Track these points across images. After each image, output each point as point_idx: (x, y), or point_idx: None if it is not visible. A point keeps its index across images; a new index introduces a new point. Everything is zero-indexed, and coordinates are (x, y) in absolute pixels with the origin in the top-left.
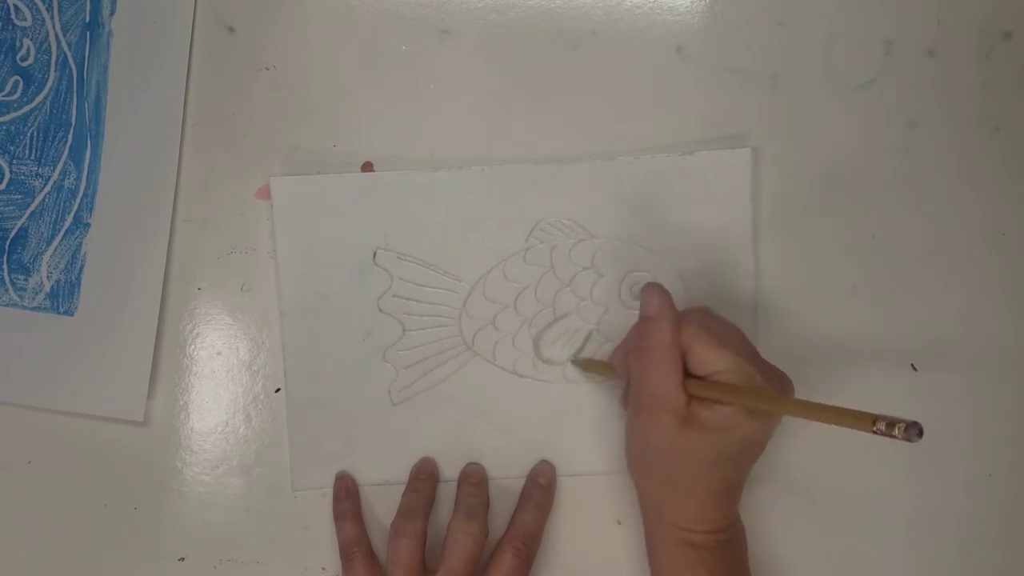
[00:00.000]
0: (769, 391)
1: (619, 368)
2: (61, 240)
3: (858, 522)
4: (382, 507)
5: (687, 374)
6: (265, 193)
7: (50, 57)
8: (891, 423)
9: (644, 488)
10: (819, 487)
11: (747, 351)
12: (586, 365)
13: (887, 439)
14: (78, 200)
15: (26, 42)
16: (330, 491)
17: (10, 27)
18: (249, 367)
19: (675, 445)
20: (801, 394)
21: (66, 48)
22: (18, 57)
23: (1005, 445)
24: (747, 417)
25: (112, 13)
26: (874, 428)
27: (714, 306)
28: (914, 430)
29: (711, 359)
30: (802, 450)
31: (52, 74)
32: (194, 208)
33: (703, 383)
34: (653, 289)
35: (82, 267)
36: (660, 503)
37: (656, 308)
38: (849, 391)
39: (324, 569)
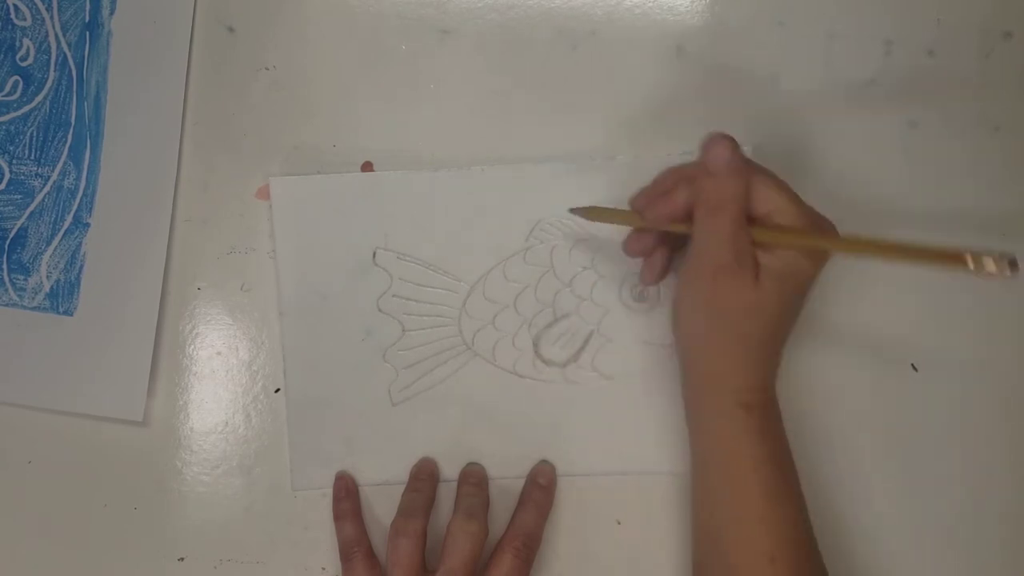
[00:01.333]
0: (828, 231)
1: (654, 217)
2: (61, 240)
3: (857, 530)
4: (382, 507)
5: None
6: (265, 193)
7: (50, 57)
8: (989, 257)
9: (701, 355)
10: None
11: (795, 195)
12: (592, 213)
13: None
14: (78, 200)
15: (26, 42)
16: (330, 491)
17: (10, 27)
18: (249, 367)
19: (748, 301)
20: (800, 394)
21: (66, 48)
22: (18, 57)
23: (1005, 445)
24: (809, 261)
25: (112, 13)
26: (970, 266)
27: None
28: (1006, 261)
29: (770, 196)
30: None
31: (52, 74)
32: (194, 208)
33: (771, 230)
34: (720, 141)
35: (82, 267)
36: (722, 367)
37: (729, 161)
38: (849, 391)
39: (324, 569)
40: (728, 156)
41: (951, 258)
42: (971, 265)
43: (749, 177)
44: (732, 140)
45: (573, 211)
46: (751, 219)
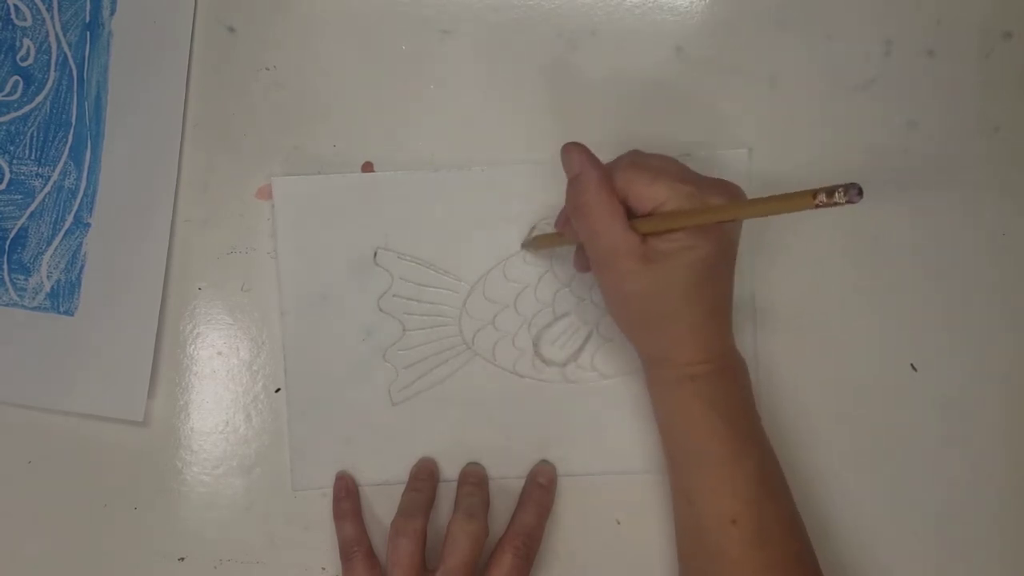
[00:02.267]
0: (712, 203)
1: (568, 233)
2: (61, 240)
3: (856, 530)
4: (382, 507)
5: (632, 216)
6: (265, 193)
7: (50, 57)
8: (830, 191)
9: (636, 338)
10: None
11: (684, 175)
12: (537, 243)
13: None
14: (78, 200)
15: (26, 42)
16: (330, 491)
17: (10, 27)
18: (249, 367)
19: (645, 285)
20: (799, 396)
21: (66, 48)
22: (18, 57)
23: (1005, 445)
24: (700, 236)
25: (112, 13)
26: (816, 202)
27: None
28: (854, 190)
29: (650, 194)
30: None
31: (52, 74)
32: (194, 208)
33: (649, 219)
34: (570, 148)
35: (82, 267)
36: (656, 345)
37: (578, 164)
38: (849, 391)
39: (324, 569)
40: (577, 159)
41: (803, 198)
42: (823, 199)
43: (617, 172)
44: (580, 146)
45: (523, 247)
46: (646, 215)
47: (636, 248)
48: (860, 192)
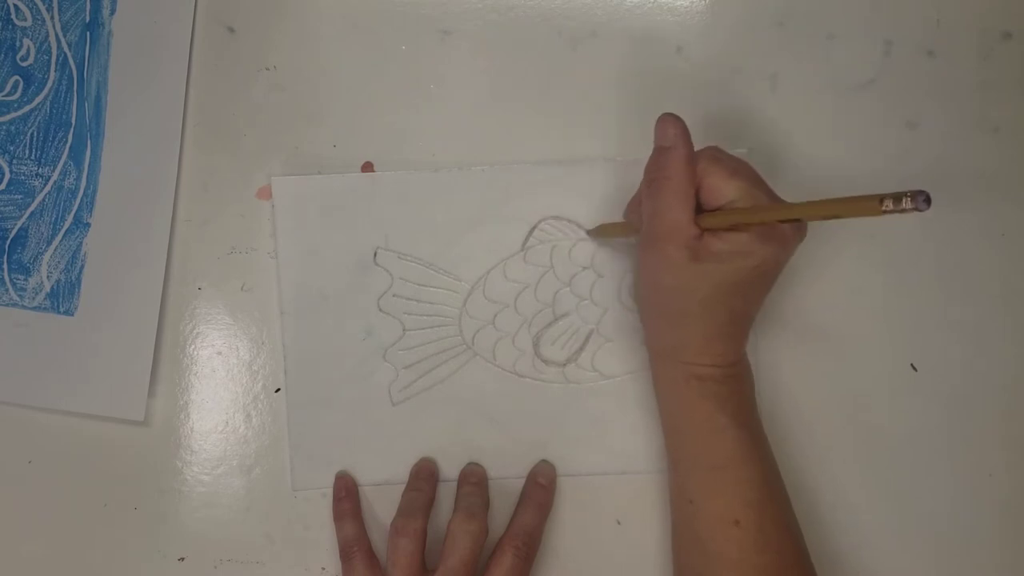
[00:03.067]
0: (779, 206)
1: (635, 220)
2: (61, 240)
3: (855, 530)
4: (382, 507)
5: (700, 210)
6: (266, 193)
7: (50, 57)
8: (897, 197)
9: (653, 328)
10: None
11: (758, 181)
12: (601, 231)
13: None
14: (78, 200)
15: (26, 42)
16: (330, 491)
17: (10, 27)
18: (249, 367)
19: (683, 280)
20: (799, 395)
21: (66, 48)
22: (18, 57)
23: (1005, 445)
24: (760, 243)
25: (112, 13)
26: (883, 208)
27: None
28: (921, 197)
29: (724, 188)
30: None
31: (52, 74)
32: (194, 208)
33: (715, 214)
34: (668, 119)
35: (82, 267)
36: (669, 341)
37: (672, 137)
38: (849, 391)
39: (324, 569)
40: (673, 132)
41: (870, 203)
42: (889, 204)
43: (698, 161)
44: (677, 118)
45: (589, 233)
46: (709, 211)
47: (691, 240)
48: (928, 200)
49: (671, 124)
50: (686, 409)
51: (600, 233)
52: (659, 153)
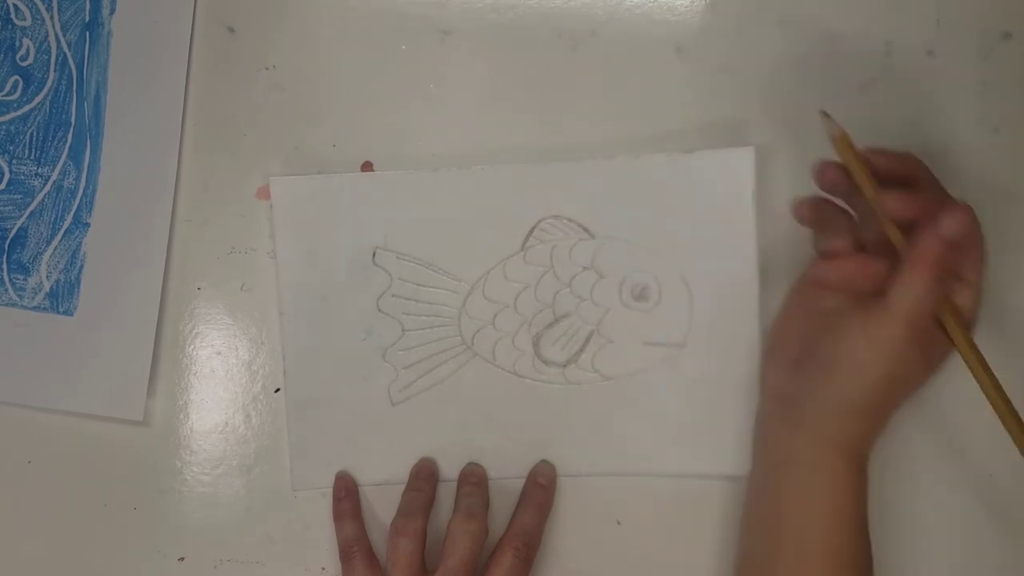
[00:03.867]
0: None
1: (888, 203)
2: (61, 240)
3: None
4: (382, 507)
5: None
6: (265, 193)
7: (50, 57)
8: None
9: (805, 377)
10: None
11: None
12: (850, 166)
13: None
14: (78, 200)
15: (26, 42)
16: (330, 491)
17: (10, 27)
18: (249, 367)
19: (887, 350)
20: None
21: (66, 48)
22: (18, 57)
23: (1005, 445)
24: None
25: (112, 13)
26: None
27: (715, 305)
28: None
29: (969, 294)
30: None
31: (52, 74)
32: (194, 208)
33: (958, 327)
34: (970, 214)
35: (82, 267)
36: (802, 393)
37: (964, 234)
38: None
39: (324, 569)
40: (964, 231)
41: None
42: None
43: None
44: (972, 213)
45: (823, 114)
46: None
47: (927, 322)
48: None
49: (966, 221)
50: (814, 496)
51: (842, 147)
52: (948, 247)
